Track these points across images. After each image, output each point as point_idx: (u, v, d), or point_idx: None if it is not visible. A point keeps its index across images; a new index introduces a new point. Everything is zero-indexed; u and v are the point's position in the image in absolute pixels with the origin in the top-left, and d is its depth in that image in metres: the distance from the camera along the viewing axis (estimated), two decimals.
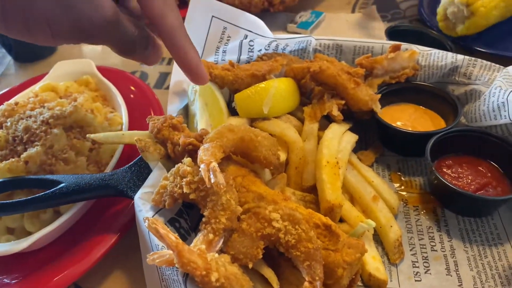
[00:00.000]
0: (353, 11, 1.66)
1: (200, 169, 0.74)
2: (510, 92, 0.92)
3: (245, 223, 0.74)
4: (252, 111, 0.98)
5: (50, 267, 0.85)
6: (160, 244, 0.72)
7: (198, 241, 0.72)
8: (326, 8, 1.66)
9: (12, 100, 1.09)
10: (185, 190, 0.75)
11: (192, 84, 1.00)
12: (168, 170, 0.83)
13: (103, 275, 0.90)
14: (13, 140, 0.95)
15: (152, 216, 0.77)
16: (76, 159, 0.94)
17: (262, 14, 1.53)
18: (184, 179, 0.76)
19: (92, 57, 1.55)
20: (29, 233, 0.88)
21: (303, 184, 0.93)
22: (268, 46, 1.11)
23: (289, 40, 1.12)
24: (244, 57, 1.11)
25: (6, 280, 0.87)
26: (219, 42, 1.11)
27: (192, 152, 0.84)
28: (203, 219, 0.74)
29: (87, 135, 0.88)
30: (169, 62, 1.47)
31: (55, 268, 0.85)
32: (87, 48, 1.59)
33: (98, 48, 1.59)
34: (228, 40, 1.11)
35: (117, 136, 0.88)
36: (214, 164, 0.75)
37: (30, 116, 0.99)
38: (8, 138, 0.95)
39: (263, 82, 0.99)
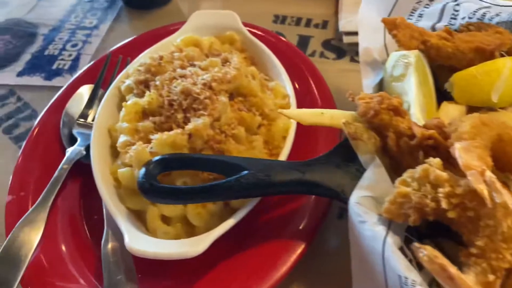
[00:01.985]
0: None
1: (468, 179, 0.52)
2: None
3: None
4: (474, 97, 0.75)
5: (214, 280, 0.67)
6: (409, 278, 0.52)
7: (469, 281, 0.51)
8: None
9: (154, 53, 0.88)
10: (443, 205, 0.54)
11: (397, 54, 0.77)
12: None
13: None
14: (169, 105, 0.75)
15: (386, 234, 0.56)
16: (250, 137, 0.74)
17: None
18: (440, 189, 0.55)
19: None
20: (191, 226, 0.70)
21: None
22: (473, 14, 0.86)
23: (504, 8, 0.86)
24: (441, 24, 0.86)
25: None
26: (417, 2, 0.87)
27: (428, 148, 0.62)
28: (472, 250, 0.52)
29: (279, 110, 0.67)
30: (308, 24, 1.24)
31: (222, 282, 0.67)
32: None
33: None
34: (430, 0, 0.87)
35: (315, 115, 0.67)
36: (491, 175, 0.53)
37: (185, 76, 0.79)
38: (162, 102, 0.76)
39: (491, 60, 0.75)
